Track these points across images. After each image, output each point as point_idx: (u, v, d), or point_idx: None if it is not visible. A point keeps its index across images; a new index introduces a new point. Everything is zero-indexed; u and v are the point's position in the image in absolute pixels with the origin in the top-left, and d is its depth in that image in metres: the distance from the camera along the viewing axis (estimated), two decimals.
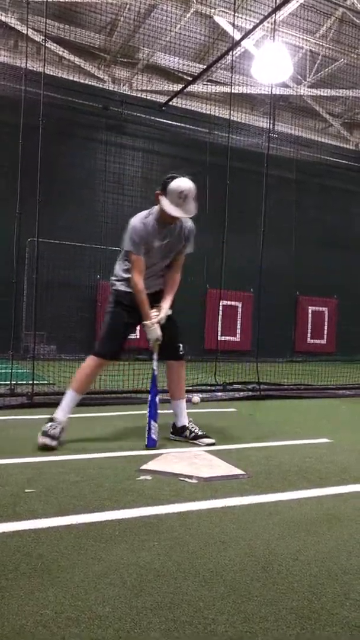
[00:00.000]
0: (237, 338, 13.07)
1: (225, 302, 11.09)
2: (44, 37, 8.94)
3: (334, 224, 14.39)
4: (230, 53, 9.33)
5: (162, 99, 12.40)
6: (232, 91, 9.11)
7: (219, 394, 6.54)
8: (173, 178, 3.66)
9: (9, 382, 5.74)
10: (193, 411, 5.40)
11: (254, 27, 8.88)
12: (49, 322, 9.16)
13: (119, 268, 3.92)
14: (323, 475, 3.19)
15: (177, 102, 12.07)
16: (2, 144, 7.33)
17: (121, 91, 12.54)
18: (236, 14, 9.42)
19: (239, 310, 13.19)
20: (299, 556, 2.06)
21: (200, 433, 3.94)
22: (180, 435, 4.00)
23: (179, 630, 1.54)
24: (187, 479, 2.98)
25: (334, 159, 14.37)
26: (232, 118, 8.51)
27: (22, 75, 6.84)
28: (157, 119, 12.38)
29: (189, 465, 3.25)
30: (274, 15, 8.41)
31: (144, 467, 3.17)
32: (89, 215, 10.91)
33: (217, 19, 11.44)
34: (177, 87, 12.05)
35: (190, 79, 11.57)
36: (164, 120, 12.45)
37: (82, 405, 5.08)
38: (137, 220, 3.74)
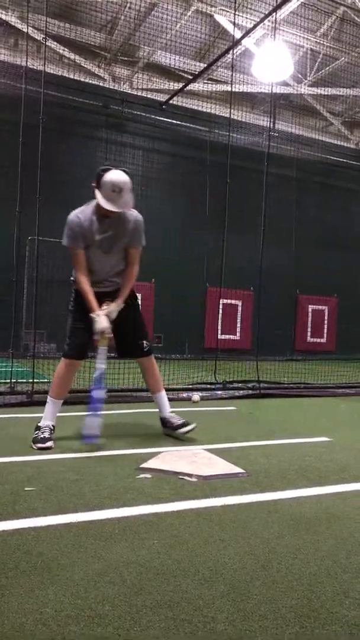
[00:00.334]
0: (237, 336, 13.09)
1: (225, 301, 11.10)
2: (44, 36, 8.92)
3: (334, 222, 14.41)
4: (231, 51, 9.32)
5: (162, 97, 12.40)
6: (233, 90, 9.11)
7: (219, 392, 6.54)
8: (106, 170, 3.53)
9: (9, 381, 5.74)
10: (193, 410, 5.41)
11: (255, 26, 8.86)
12: (49, 320, 9.13)
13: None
14: (322, 473, 3.19)
15: (177, 101, 12.08)
16: (3, 143, 7.32)
17: (121, 89, 12.55)
18: (237, 13, 9.42)
19: (239, 308, 13.21)
20: (299, 555, 2.06)
21: (178, 423, 3.98)
22: (165, 427, 4.05)
23: (179, 628, 1.55)
24: (186, 478, 2.98)
25: (335, 158, 14.38)
26: (232, 117, 8.51)
27: (22, 74, 6.83)
28: (158, 118, 12.38)
29: (188, 463, 3.25)
30: (274, 13, 8.40)
31: (143, 465, 3.17)
32: None
33: (217, 17, 11.44)
34: (177, 85, 12.05)
35: (190, 77, 11.57)
36: (164, 119, 12.46)
37: (81, 404, 5.10)
38: (73, 214, 3.68)
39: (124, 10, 11.05)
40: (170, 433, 4.01)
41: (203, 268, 12.27)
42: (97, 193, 3.54)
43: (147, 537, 2.17)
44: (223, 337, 11.25)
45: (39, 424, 3.73)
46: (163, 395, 4.09)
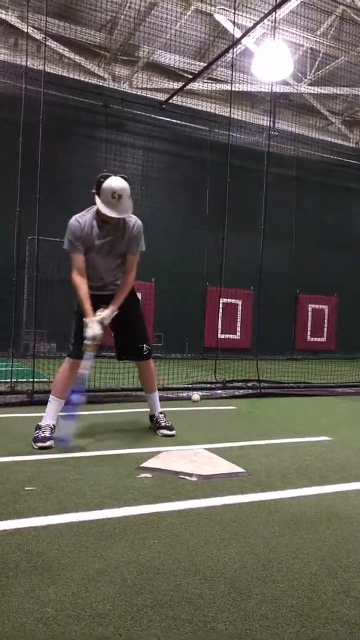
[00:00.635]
0: (237, 336, 13.08)
1: (225, 300, 11.09)
2: (44, 35, 8.92)
3: (334, 221, 14.40)
4: (231, 51, 9.31)
5: (162, 96, 12.39)
6: (233, 89, 9.10)
7: (219, 391, 6.54)
8: (106, 177, 3.61)
9: (9, 380, 5.74)
10: (193, 409, 5.41)
11: (255, 25, 8.86)
12: (49, 320, 9.15)
13: None
14: (323, 473, 3.19)
15: (177, 100, 12.07)
16: (3, 142, 7.32)
17: (121, 89, 12.54)
18: (236, 12, 9.41)
19: (239, 308, 13.20)
20: (299, 554, 2.06)
21: (163, 424, 4.12)
22: (151, 423, 4.22)
23: (179, 628, 1.55)
24: (187, 477, 2.98)
25: (335, 157, 14.37)
26: (232, 116, 8.51)
27: (22, 73, 6.83)
28: (158, 117, 12.38)
29: (189, 463, 3.25)
30: (274, 13, 8.40)
31: (144, 464, 3.18)
32: None
33: (217, 16, 11.42)
34: (177, 85, 12.04)
35: (190, 76, 11.56)
36: (165, 118, 12.45)
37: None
38: (73, 218, 3.75)
39: (124, 10, 11.04)
40: (154, 429, 4.18)
41: (203, 267, 12.27)
42: (97, 199, 3.61)
43: (148, 536, 2.17)
44: (223, 336, 11.23)
45: (39, 423, 3.74)
46: (156, 396, 4.26)
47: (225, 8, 11.04)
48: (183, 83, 11.59)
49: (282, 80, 12.76)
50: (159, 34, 11.35)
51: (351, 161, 14.58)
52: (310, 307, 14.58)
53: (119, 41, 11.94)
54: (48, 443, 3.55)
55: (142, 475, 3.00)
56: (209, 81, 12.86)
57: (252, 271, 7.92)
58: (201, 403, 5.82)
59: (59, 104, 9.87)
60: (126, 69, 12.74)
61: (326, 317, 14.77)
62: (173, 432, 4.07)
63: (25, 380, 5.81)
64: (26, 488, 2.71)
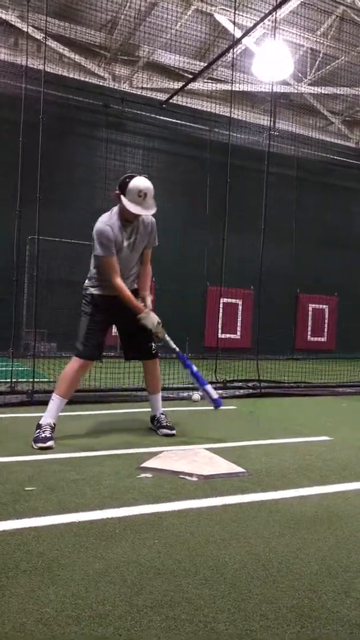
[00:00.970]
0: (238, 335, 13.08)
1: (225, 300, 11.08)
2: (44, 35, 8.92)
3: (334, 221, 14.41)
4: (231, 51, 9.31)
5: (162, 96, 12.39)
6: (233, 89, 9.10)
7: (219, 391, 6.52)
8: (131, 177, 3.78)
9: (9, 380, 5.74)
10: (193, 409, 5.41)
11: (255, 25, 8.86)
12: (49, 320, 9.15)
13: (91, 273, 4.00)
14: (323, 472, 3.19)
15: (177, 100, 12.07)
16: (3, 142, 7.31)
17: (122, 89, 12.54)
18: (237, 12, 9.40)
19: (240, 307, 13.20)
20: (300, 554, 2.06)
21: (164, 424, 4.15)
22: (152, 423, 4.24)
23: (179, 628, 1.54)
24: (187, 477, 2.98)
25: (335, 157, 14.37)
26: (232, 116, 8.50)
27: (22, 73, 6.83)
28: (158, 117, 12.38)
29: (189, 463, 3.25)
30: (274, 12, 8.40)
31: (144, 465, 3.17)
32: (89, 213, 10.90)
33: (217, 16, 11.42)
34: (177, 84, 12.04)
35: (190, 76, 11.55)
36: (165, 118, 12.45)
37: (81, 403, 5.11)
38: (102, 224, 3.83)
39: (124, 10, 11.03)
40: (154, 429, 4.19)
41: (203, 267, 12.27)
42: (124, 199, 3.75)
43: (148, 536, 2.17)
44: (223, 336, 11.24)
45: (39, 422, 3.74)
46: (159, 397, 4.30)
47: (226, 8, 11.04)
48: (183, 83, 11.58)
49: (283, 80, 12.77)
50: (159, 34, 11.35)
51: (351, 161, 14.58)
52: (311, 306, 14.59)
53: (119, 41, 11.94)
54: (48, 443, 3.55)
55: (143, 475, 3.00)
56: (209, 81, 12.86)
57: (253, 271, 7.91)
58: (201, 403, 5.81)
59: (59, 104, 9.87)
60: (126, 68, 12.73)
61: (326, 316, 14.78)
62: (174, 432, 4.09)
63: (25, 380, 5.81)
64: (26, 488, 2.71)
